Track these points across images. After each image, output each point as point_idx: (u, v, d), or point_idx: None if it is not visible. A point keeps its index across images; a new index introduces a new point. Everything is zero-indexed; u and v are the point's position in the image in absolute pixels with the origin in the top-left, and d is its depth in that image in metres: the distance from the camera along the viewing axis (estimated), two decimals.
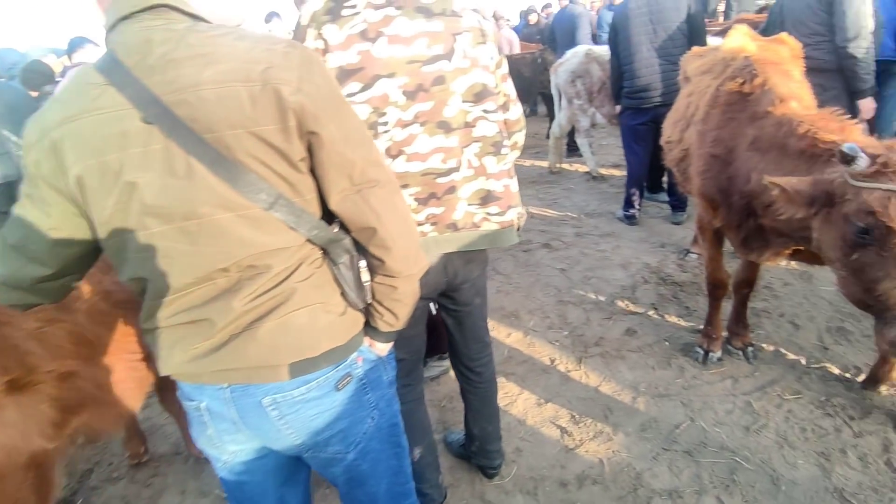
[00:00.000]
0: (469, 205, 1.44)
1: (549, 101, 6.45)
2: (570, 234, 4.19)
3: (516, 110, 1.55)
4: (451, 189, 1.39)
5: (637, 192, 4.22)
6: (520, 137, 1.62)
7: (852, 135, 1.75)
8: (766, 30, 3.68)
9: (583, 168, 5.75)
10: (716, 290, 2.48)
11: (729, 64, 2.37)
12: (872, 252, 1.53)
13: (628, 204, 4.25)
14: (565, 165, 6.06)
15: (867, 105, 3.06)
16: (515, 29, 9.16)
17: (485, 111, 1.38)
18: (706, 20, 6.96)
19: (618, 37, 3.95)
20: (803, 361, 2.45)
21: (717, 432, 2.09)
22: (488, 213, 1.47)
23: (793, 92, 2.10)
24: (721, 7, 8.98)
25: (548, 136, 6.04)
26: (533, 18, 8.95)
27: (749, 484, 1.85)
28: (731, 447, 2.01)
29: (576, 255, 3.80)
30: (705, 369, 2.46)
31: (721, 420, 2.15)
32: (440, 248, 1.43)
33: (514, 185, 1.51)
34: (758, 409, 2.19)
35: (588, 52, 5.11)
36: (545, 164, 6.02)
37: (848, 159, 1.55)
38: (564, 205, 4.88)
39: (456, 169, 1.38)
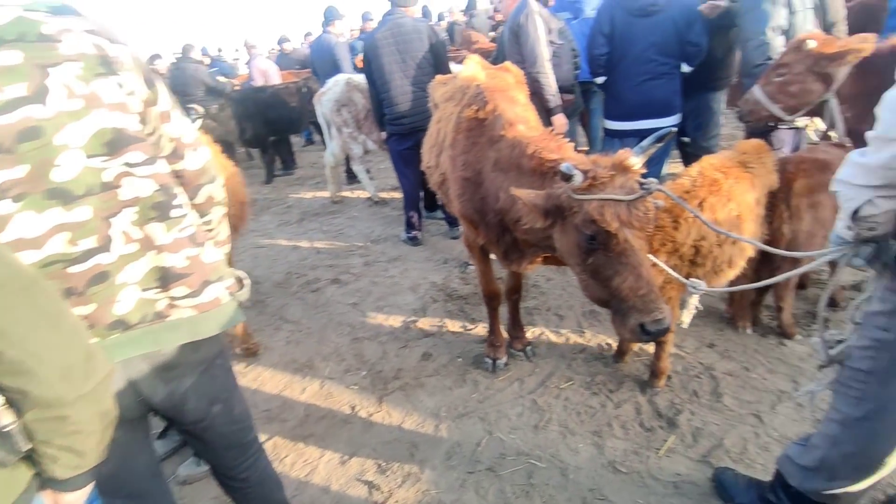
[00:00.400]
0: (144, 290, 1.10)
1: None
2: (358, 264, 4.10)
3: (197, 157, 1.23)
4: (102, 277, 1.03)
5: (415, 214, 4.36)
6: (213, 190, 1.29)
7: (567, 153, 2.00)
8: (496, 59, 4.15)
9: (365, 194, 5.76)
10: (491, 300, 2.64)
11: (465, 92, 2.55)
12: (602, 255, 1.74)
13: (409, 226, 4.37)
14: (347, 193, 6.01)
15: (558, 121, 3.55)
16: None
17: (129, 164, 1.04)
18: (453, 49, 7.73)
19: (371, 66, 4.03)
20: (570, 348, 2.77)
21: (513, 439, 2.20)
22: (173, 298, 1.13)
23: (519, 115, 2.34)
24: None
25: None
26: (288, 47, 8.74)
27: (544, 483, 1.97)
28: (525, 451, 2.13)
29: (366, 285, 3.72)
30: (496, 377, 2.59)
31: (515, 425, 2.28)
32: (111, 357, 1.05)
33: (207, 253, 1.19)
34: (542, 405, 2.37)
35: (349, 81, 5.14)
36: (327, 194, 5.87)
37: (566, 177, 1.75)
38: (350, 234, 4.79)
39: (101, 249, 1.02)
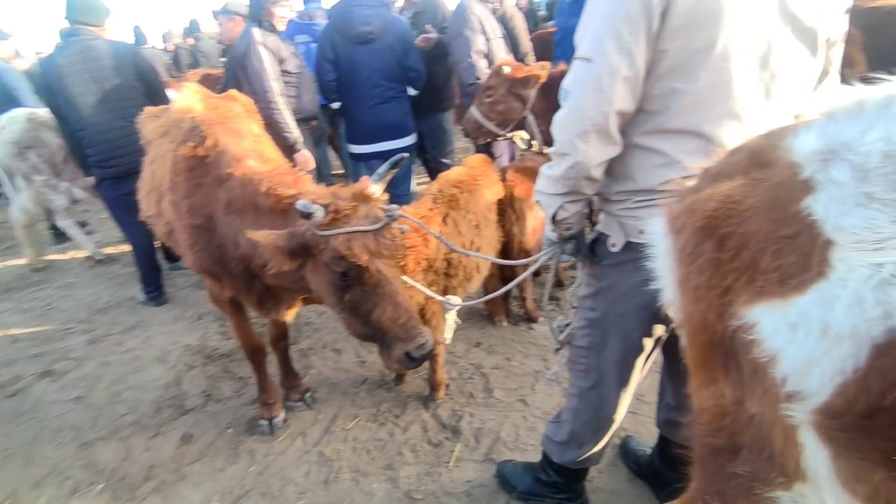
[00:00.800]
0: None
1: None
2: (79, 344, 3.25)
3: None
4: None
5: (153, 266, 3.69)
6: None
7: (305, 186, 1.88)
8: (225, 86, 3.79)
9: (83, 253, 4.66)
10: (255, 355, 2.35)
11: (180, 126, 2.22)
12: (357, 290, 1.68)
13: (148, 283, 3.67)
14: (56, 256, 4.76)
15: (301, 158, 3.31)
16: None
17: None
18: (179, 75, 6.90)
19: (56, 99, 3.26)
20: (352, 382, 2.66)
21: None
22: None
23: (248, 149, 2.13)
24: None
25: None
26: None
27: None
28: None
29: (94, 370, 2.97)
30: (275, 439, 2.31)
31: (303, 488, 2.05)
32: None
33: None
34: (330, 455, 2.21)
35: (31, 117, 4.07)
36: (24, 261, 4.55)
37: (306, 215, 1.63)
38: (65, 308, 3.78)
39: None
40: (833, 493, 0.77)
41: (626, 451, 2.10)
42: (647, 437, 2.11)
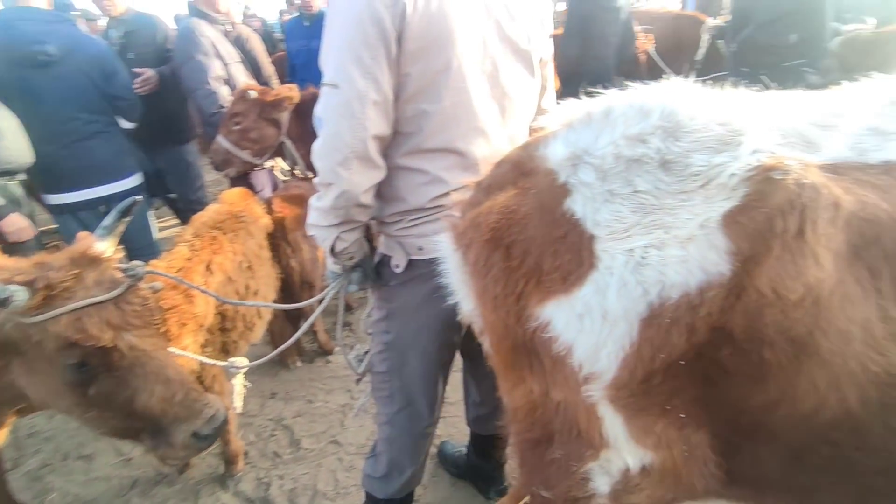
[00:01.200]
0: None
1: None
2: None
3: None
4: None
5: None
6: None
7: None
8: None
9: None
10: None
11: None
12: (107, 379, 1.29)
13: None
14: None
15: (10, 226, 2.40)
16: None
17: None
18: None
19: None
20: (116, 492, 2.10)
21: None
22: None
23: None
24: None
25: None
26: None
27: None
28: None
29: None
30: None
31: None
32: None
33: None
34: None
35: None
36: None
37: (2, 303, 1.19)
38: None
39: None
40: (630, 450, 0.87)
41: (443, 457, 2.15)
42: (459, 438, 2.20)
